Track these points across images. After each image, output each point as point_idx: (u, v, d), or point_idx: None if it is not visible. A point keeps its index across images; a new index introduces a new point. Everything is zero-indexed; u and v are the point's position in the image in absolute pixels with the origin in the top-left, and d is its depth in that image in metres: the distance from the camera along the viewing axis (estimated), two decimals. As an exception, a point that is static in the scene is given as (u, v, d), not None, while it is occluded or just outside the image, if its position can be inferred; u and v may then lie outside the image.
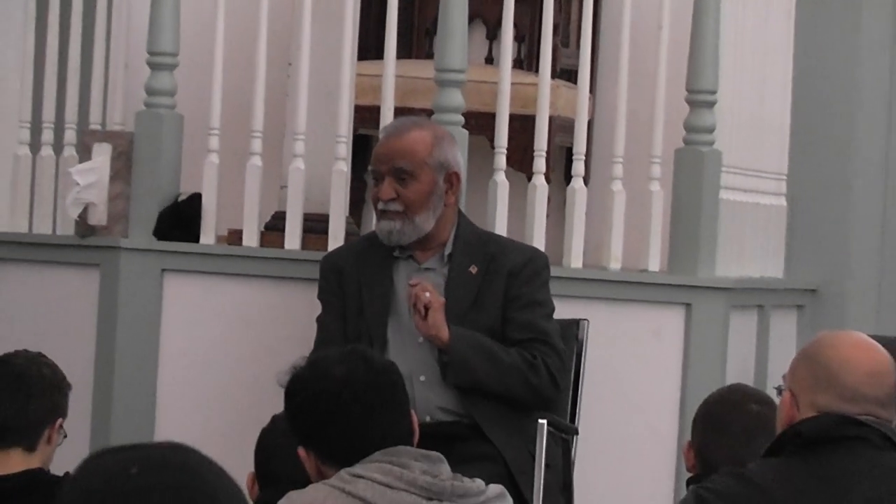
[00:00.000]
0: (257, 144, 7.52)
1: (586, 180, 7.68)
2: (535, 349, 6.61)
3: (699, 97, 7.66)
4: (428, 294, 6.41)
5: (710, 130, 7.67)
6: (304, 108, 7.51)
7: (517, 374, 6.54)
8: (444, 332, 6.44)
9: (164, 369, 7.44)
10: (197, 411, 7.10)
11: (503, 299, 6.71)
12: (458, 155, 6.86)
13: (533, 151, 7.58)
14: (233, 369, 7.24)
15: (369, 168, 6.91)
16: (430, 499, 4.70)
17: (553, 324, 6.80)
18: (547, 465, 6.72)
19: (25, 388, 5.67)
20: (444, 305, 6.49)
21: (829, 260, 8.64)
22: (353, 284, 6.71)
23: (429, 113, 7.32)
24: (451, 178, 6.74)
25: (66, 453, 5.25)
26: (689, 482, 5.72)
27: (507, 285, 6.72)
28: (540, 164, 7.58)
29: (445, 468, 4.81)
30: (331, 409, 4.93)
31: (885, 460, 4.59)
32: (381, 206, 6.68)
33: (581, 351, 7.15)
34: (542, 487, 6.65)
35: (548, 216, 7.59)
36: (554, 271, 7.21)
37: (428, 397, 6.34)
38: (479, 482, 4.87)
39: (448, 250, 6.77)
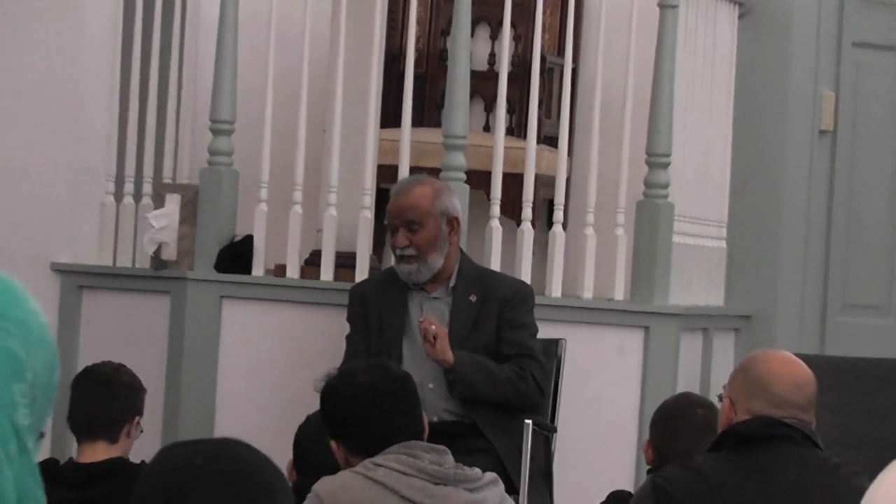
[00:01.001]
0: (298, 195, 7.49)
1: (564, 226, 7.65)
2: (523, 363, 6.61)
3: (656, 159, 7.66)
4: (434, 327, 6.42)
5: (665, 186, 7.66)
6: (336, 166, 7.50)
7: (509, 385, 6.56)
8: (450, 356, 6.44)
9: (221, 378, 7.42)
10: (249, 412, 7.11)
11: (497, 322, 6.71)
12: (456, 201, 6.85)
13: (521, 203, 7.56)
14: (278, 378, 7.23)
15: (385, 221, 6.91)
16: (437, 483, 4.75)
17: (537, 342, 6.80)
18: (532, 458, 6.72)
19: (109, 392, 5.69)
20: (447, 334, 6.49)
21: (761, 292, 8.59)
22: (375, 309, 6.71)
23: (437, 171, 7.31)
24: (452, 222, 6.74)
25: (142, 446, 5.27)
26: (648, 472, 5.77)
27: (500, 310, 6.72)
28: (527, 212, 7.56)
29: (449, 459, 4.86)
30: (357, 410, 4.98)
31: (806, 454, 4.60)
32: (398, 252, 6.69)
33: (560, 365, 7.14)
34: (527, 475, 6.68)
35: (533, 255, 7.55)
36: (538, 300, 7.17)
37: (435, 401, 6.35)
38: (477, 470, 4.92)
39: (452, 283, 6.77)
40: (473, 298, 6.77)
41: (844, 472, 4.44)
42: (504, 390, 6.61)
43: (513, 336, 6.74)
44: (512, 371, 6.63)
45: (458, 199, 6.91)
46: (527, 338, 6.77)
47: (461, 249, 6.92)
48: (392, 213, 6.81)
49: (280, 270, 7.60)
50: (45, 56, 7.92)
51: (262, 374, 7.40)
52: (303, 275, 7.58)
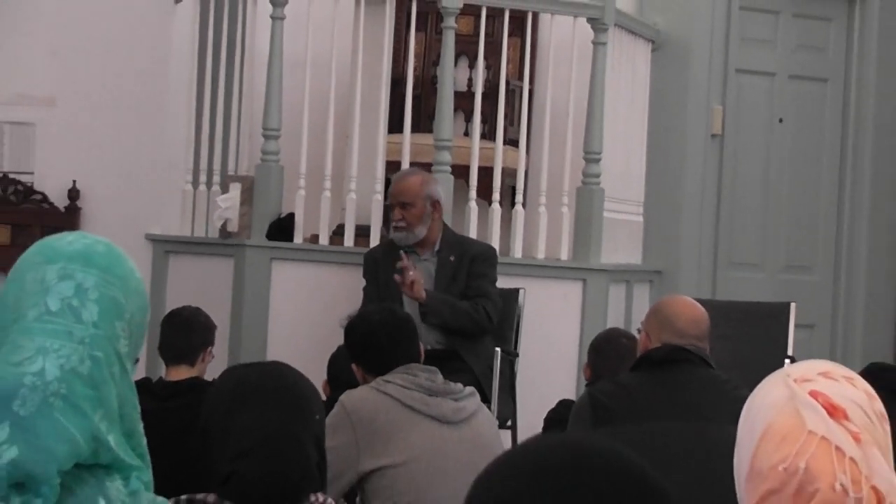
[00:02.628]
0: (328, 184, 7.47)
1: (524, 205, 7.63)
2: (479, 301, 6.69)
3: (591, 156, 7.67)
4: (411, 273, 6.51)
5: (597, 176, 7.68)
6: (356, 162, 7.49)
7: (466, 315, 6.64)
8: (422, 295, 6.54)
9: (271, 319, 7.44)
10: (292, 343, 7.12)
11: (467, 273, 6.77)
12: (439, 189, 6.88)
13: (492, 189, 7.57)
14: (314, 318, 7.23)
15: (385, 202, 6.98)
16: (431, 395, 4.82)
17: (494, 288, 6.86)
18: (500, 376, 6.83)
19: (189, 328, 5.70)
20: (422, 279, 6.61)
21: (668, 254, 8.64)
22: (382, 269, 6.75)
23: (429, 165, 7.32)
24: (435, 204, 6.78)
25: (213, 368, 5.25)
26: (586, 386, 5.75)
27: (470, 266, 6.79)
28: (496, 196, 7.56)
29: (439, 377, 4.91)
30: (372, 341, 5.03)
31: (702, 373, 4.62)
32: (393, 224, 6.76)
33: (521, 308, 7.19)
34: (497, 388, 6.75)
35: (500, 227, 7.56)
36: (504, 259, 7.23)
37: (427, 335, 6.37)
38: (459, 385, 4.98)
39: (437, 248, 6.82)
40: (452, 258, 6.81)
41: (730, 386, 4.46)
42: (461, 318, 6.67)
43: (475, 283, 6.78)
44: (469, 306, 6.70)
45: (440, 188, 6.92)
46: (485, 284, 6.79)
47: (445, 223, 6.93)
48: (391, 194, 6.86)
49: (314, 239, 7.59)
50: (142, 79, 7.94)
51: (302, 316, 7.40)
52: (331, 242, 7.56)
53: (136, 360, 2.27)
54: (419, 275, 6.63)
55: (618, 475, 1.54)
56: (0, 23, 7.89)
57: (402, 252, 6.70)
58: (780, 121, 9.12)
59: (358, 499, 4.65)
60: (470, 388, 5.02)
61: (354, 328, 5.21)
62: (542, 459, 1.57)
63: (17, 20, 7.90)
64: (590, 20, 7.68)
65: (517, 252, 7.61)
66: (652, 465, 2.27)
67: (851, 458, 2.10)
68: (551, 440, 2.01)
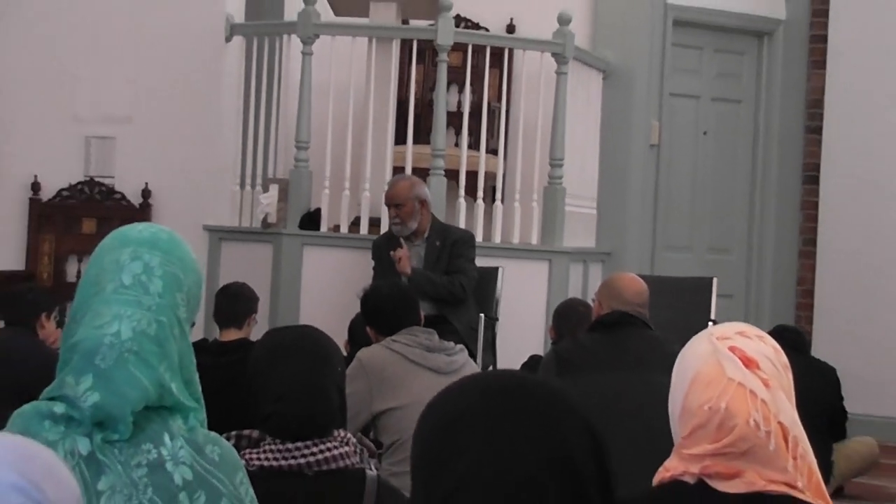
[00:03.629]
0: (346, 185, 7.43)
1: (502, 201, 7.62)
2: (455, 276, 6.66)
3: (555, 162, 7.64)
4: (400, 251, 6.57)
5: (560, 178, 7.65)
6: (369, 167, 7.46)
7: (442, 287, 6.61)
8: (408, 270, 6.54)
9: (303, 292, 7.37)
10: (320, 311, 7.04)
11: (449, 254, 6.73)
12: (426, 189, 6.85)
13: (476, 188, 7.54)
14: (336, 291, 7.18)
15: (385, 202, 6.99)
16: (429, 351, 4.78)
17: (469, 265, 6.80)
18: (484, 336, 6.82)
19: (237, 299, 5.68)
20: (409, 258, 6.62)
21: (616, 239, 8.53)
22: (384, 253, 6.71)
23: (426, 170, 7.32)
24: (423, 203, 6.76)
25: (256, 332, 5.25)
26: (552, 344, 5.77)
27: (452, 248, 6.74)
28: (480, 194, 7.54)
29: (436, 337, 4.90)
30: (382, 309, 5.01)
31: (643, 333, 4.65)
32: (391, 220, 6.78)
33: (499, 284, 7.15)
34: (481, 346, 6.73)
35: (483, 218, 7.56)
36: (486, 244, 7.24)
37: (425, 305, 6.35)
38: (452, 343, 4.96)
39: (426, 235, 6.78)
40: (438, 243, 6.77)
41: (665, 344, 4.43)
42: (439, 290, 6.63)
43: (455, 261, 6.74)
44: (447, 280, 6.67)
45: (427, 189, 6.90)
46: (463, 262, 6.75)
47: (433, 215, 6.90)
48: (387, 197, 6.88)
49: (336, 228, 7.54)
50: (199, 102, 7.89)
51: (327, 289, 7.35)
52: (350, 231, 7.50)
53: (193, 324, 2.28)
54: (406, 255, 6.62)
55: (547, 396, 1.53)
56: (88, 59, 7.90)
57: (401, 240, 6.76)
58: (705, 133, 9.08)
59: (371, 433, 4.64)
60: (460, 346, 5.00)
61: (368, 299, 5.20)
62: (488, 384, 1.56)
63: (102, 56, 7.90)
64: (554, 55, 7.67)
65: (497, 238, 7.57)
66: (606, 406, 2.28)
67: (762, 400, 2.15)
68: (497, 372, 2.02)
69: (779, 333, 6.68)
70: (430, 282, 6.62)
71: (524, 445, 1.47)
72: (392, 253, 6.62)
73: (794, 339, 6.62)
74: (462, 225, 7.34)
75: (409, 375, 4.72)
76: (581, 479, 1.47)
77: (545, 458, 1.47)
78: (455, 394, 1.56)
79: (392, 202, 6.79)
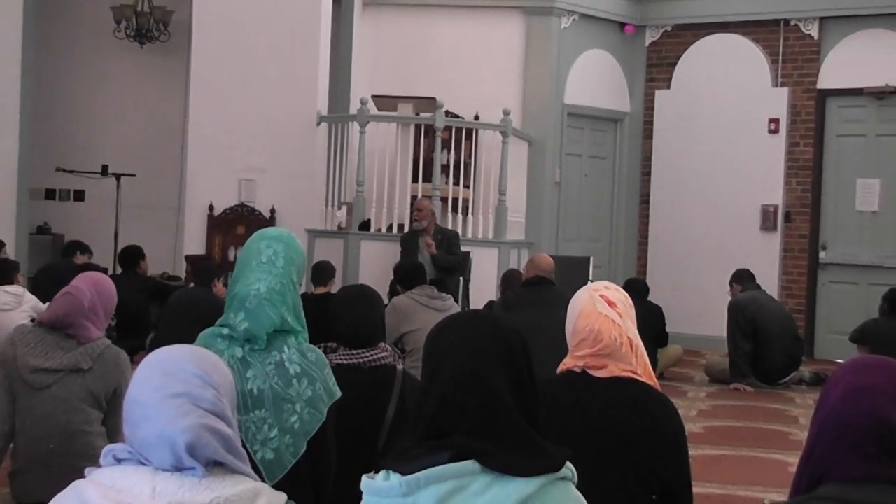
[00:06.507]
0: (385, 205, 7.37)
1: (472, 214, 7.56)
2: (452, 255, 6.56)
3: (501, 192, 7.56)
4: (429, 241, 6.47)
5: (504, 200, 7.56)
6: (397, 195, 7.38)
7: (449, 262, 6.50)
8: (434, 251, 6.46)
9: (361, 267, 7.30)
10: (373, 277, 6.87)
11: (445, 245, 6.62)
12: (434, 206, 6.84)
13: (458, 207, 7.48)
14: (381, 266, 7.04)
15: (411, 212, 6.91)
16: (431, 298, 4.78)
17: (458, 250, 6.71)
18: (462, 292, 6.78)
19: (324, 270, 5.63)
20: (433, 245, 6.52)
21: (536, 235, 8.47)
22: (411, 241, 6.67)
23: (429, 196, 7.19)
24: (432, 213, 6.72)
25: (334, 289, 5.22)
26: (500, 294, 5.75)
27: (448, 241, 6.64)
28: (459, 210, 7.49)
29: (435, 290, 4.89)
30: (405, 273, 5.03)
31: (552, 289, 4.59)
32: (415, 223, 6.70)
33: (471, 262, 7.10)
34: (461, 297, 6.68)
35: (462, 224, 7.49)
36: (463, 239, 7.12)
37: (430, 271, 6.31)
38: (445, 294, 4.94)
39: (432, 232, 6.68)
40: (439, 237, 6.68)
41: (564, 294, 4.34)
42: (449, 262, 6.51)
43: (450, 248, 6.62)
44: (451, 257, 6.58)
45: (437, 208, 6.88)
46: (455, 249, 6.66)
47: (437, 223, 6.84)
48: (415, 208, 6.80)
49: (379, 230, 7.45)
50: (301, 160, 7.72)
51: (375, 264, 7.25)
52: (387, 231, 7.43)
53: (300, 283, 2.23)
54: (432, 243, 6.53)
55: (497, 321, 1.49)
56: (240, 133, 7.83)
57: (420, 233, 6.64)
58: (585, 176, 9.03)
59: (399, 345, 4.56)
60: (449, 295, 5.00)
61: (398, 269, 5.23)
62: (463, 315, 1.55)
63: (247, 132, 7.85)
64: (500, 132, 7.60)
65: (469, 235, 7.47)
66: (530, 328, 2.27)
67: (618, 325, 2.11)
68: (469, 310, 2.02)
69: (629, 284, 6.74)
70: (444, 258, 6.54)
71: (482, 347, 1.45)
72: (424, 241, 6.49)
73: (638, 288, 6.64)
74: (449, 226, 7.27)
75: (420, 312, 4.67)
76: (517, 366, 1.45)
77: (495, 354, 1.44)
78: (445, 321, 1.54)
79: (418, 209, 6.72)
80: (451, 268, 6.58)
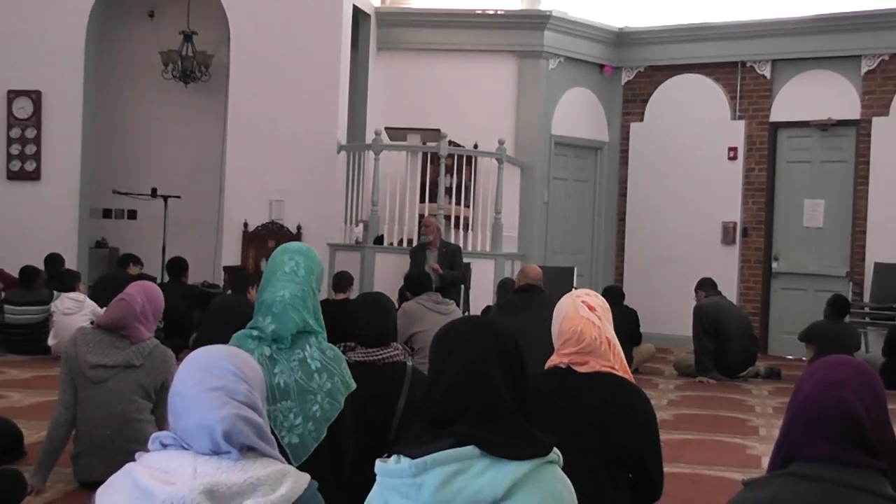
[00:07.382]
0: (396, 222, 7.37)
1: (472, 230, 7.54)
2: (455, 270, 6.49)
3: (498, 210, 7.54)
4: (436, 266, 6.36)
5: (500, 218, 7.54)
6: (407, 214, 7.37)
7: (454, 276, 6.45)
8: (442, 272, 6.37)
9: (375, 277, 7.23)
10: (385, 285, 6.82)
11: (450, 259, 6.57)
12: (440, 223, 6.78)
13: (459, 224, 7.46)
14: (392, 276, 6.99)
15: (420, 227, 6.83)
16: (437, 303, 4.72)
17: (461, 263, 6.67)
18: (463, 297, 6.72)
19: (343, 279, 5.47)
20: (440, 267, 6.41)
21: (527, 248, 8.41)
22: (419, 253, 6.64)
23: (434, 215, 7.16)
24: (438, 229, 6.65)
25: (352, 296, 5.18)
26: (496, 301, 5.71)
27: (452, 254, 6.59)
28: (461, 226, 7.46)
29: (440, 296, 4.81)
30: (414, 282, 4.94)
31: (540, 295, 4.55)
32: (422, 237, 6.63)
33: (470, 272, 7.07)
34: (462, 302, 6.64)
35: (463, 238, 7.48)
36: (466, 251, 7.11)
37: (435, 280, 6.28)
38: (448, 300, 4.87)
39: (438, 245, 6.64)
40: (444, 250, 6.64)
41: (550, 299, 4.28)
42: (454, 278, 6.46)
43: (454, 261, 6.56)
44: (457, 272, 6.51)
45: (441, 224, 6.82)
46: (458, 262, 6.60)
47: (441, 238, 6.78)
48: (424, 224, 6.73)
49: (391, 244, 7.43)
50: (324, 183, 7.69)
51: (387, 275, 7.21)
52: (398, 245, 7.40)
53: (319, 290, 2.20)
54: (438, 267, 6.43)
55: (493, 325, 1.47)
56: (269, 159, 7.85)
57: (426, 247, 6.56)
58: (570, 196, 9.00)
59: (409, 344, 4.50)
60: (452, 301, 4.95)
61: (407, 277, 5.15)
62: (464, 320, 1.51)
63: (275, 158, 7.85)
64: (496, 159, 7.57)
65: (469, 248, 7.44)
66: (522, 331, 2.24)
67: (598, 326, 2.09)
68: (469, 315, 1.99)
69: (607, 291, 6.73)
70: (451, 275, 6.48)
71: (482, 348, 1.43)
72: (431, 266, 6.42)
73: (615, 294, 6.62)
74: (452, 241, 7.25)
75: (427, 315, 4.61)
76: (512, 364, 1.43)
77: (493, 354, 1.42)
78: (450, 324, 1.52)
79: (426, 225, 6.67)
80: (456, 283, 6.55)
